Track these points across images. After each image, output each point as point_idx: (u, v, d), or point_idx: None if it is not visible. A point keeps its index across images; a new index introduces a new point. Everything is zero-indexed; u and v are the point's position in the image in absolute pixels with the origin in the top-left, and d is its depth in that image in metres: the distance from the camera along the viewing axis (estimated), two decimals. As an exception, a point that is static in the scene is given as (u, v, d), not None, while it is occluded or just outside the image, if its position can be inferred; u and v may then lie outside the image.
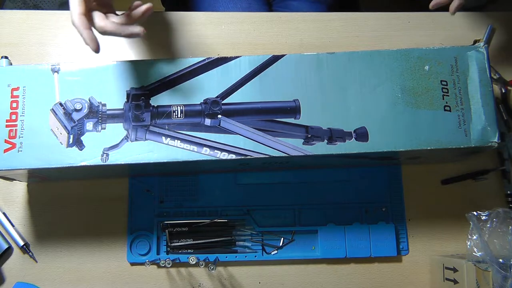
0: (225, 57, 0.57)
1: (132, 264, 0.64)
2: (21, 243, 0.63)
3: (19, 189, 0.66)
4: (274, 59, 0.57)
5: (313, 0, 0.88)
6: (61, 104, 0.56)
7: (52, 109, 0.56)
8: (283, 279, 0.64)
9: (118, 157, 0.56)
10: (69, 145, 0.56)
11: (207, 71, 0.57)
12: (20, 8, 1.23)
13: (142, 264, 0.64)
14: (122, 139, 0.56)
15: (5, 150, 0.55)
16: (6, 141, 0.56)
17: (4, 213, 0.64)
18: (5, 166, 0.55)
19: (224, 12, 0.76)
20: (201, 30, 0.72)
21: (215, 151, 0.56)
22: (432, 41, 0.72)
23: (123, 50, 0.72)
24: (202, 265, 0.59)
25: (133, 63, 0.57)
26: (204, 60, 0.57)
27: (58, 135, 0.56)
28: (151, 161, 0.56)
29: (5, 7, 1.23)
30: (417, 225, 0.67)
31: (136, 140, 0.56)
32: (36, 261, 0.64)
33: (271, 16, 0.74)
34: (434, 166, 0.68)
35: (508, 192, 0.68)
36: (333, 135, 0.57)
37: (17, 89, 0.56)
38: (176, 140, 0.56)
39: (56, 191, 0.66)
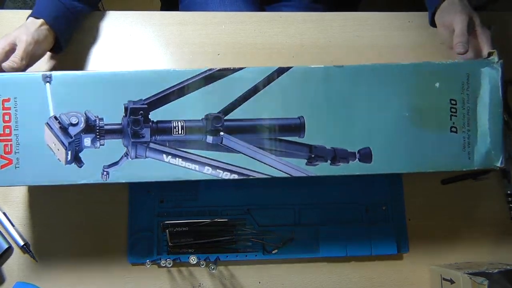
0: (228, 68, 0.55)
1: (133, 264, 0.64)
2: (21, 243, 0.63)
3: (19, 189, 0.65)
4: (280, 71, 0.55)
5: (305, 7, 0.88)
6: (56, 118, 0.54)
7: (47, 123, 0.54)
8: (284, 278, 0.64)
9: (119, 176, 0.55)
10: (67, 162, 0.55)
11: (209, 83, 0.55)
12: (21, 8, 1.23)
13: (143, 264, 0.63)
14: (122, 156, 0.55)
15: (2, 166, 0.54)
16: (2, 157, 0.54)
17: (4, 213, 0.64)
18: (4, 183, 0.54)
19: (224, 12, 0.76)
20: (201, 30, 0.72)
21: (218, 170, 0.56)
22: (432, 41, 0.72)
23: (121, 54, 0.71)
24: (203, 264, 0.59)
25: (131, 74, 0.55)
26: (206, 71, 0.55)
27: (55, 151, 0.54)
28: (152, 180, 0.55)
29: (6, 7, 1.23)
30: (417, 225, 0.67)
31: (136, 157, 0.55)
32: (36, 261, 0.63)
33: (272, 16, 0.74)
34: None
35: (508, 192, 0.68)
36: (337, 156, 0.57)
37: (8, 100, 0.54)
38: (177, 158, 0.55)
39: (56, 191, 0.65)
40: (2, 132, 0.53)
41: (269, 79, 0.55)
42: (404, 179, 0.68)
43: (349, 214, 0.66)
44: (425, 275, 0.65)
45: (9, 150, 0.54)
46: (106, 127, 0.54)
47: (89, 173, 0.55)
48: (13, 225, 0.64)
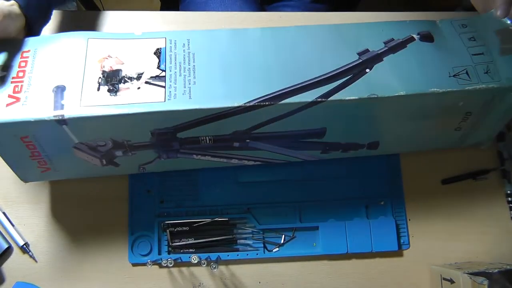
0: (257, 105, 0.51)
1: (134, 264, 0.64)
2: (21, 242, 0.63)
3: (19, 189, 0.65)
4: (313, 103, 0.52)
5: (305, 7, 0.89)
6: (82, 143, 0.54)
7: (75, 147, 0.54)
8: (285, 276, 0.64)
9: (155, 168, 0.60)
10: (103, 165, 0.58)
11: (237, 114, 0.52)
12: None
13: (143, 264, 0.63)
14: (155, 158, 0.58)
15: (43, 172, 0.58)
16: (39, 166, 0.57)
17: (4, 213, 0.64)
18: (48, 179, 0.61)
19: (224, 12, 0.76)
20: (201, 30, 0.72)
21: (243, 161, 0.61)
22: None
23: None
24: (204, 264, 0.59)
25: (159, 113, 0.50)
26: (233, 108, 0.51)
27: (90, 160, 0.57)
28: (185, 169, 0.62)
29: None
30: (418, 224, 0.67)
31: (168, 158, 0.58)
32: (36, 261, 0.63)
33: (271, 15, 0.74)
34: (434, 166, 0.68)
35: (508, 192, 0.68)
36: (349, 147, 0.62)
37: (26, 137, 0.52)
38: (206, 156, 0.58)
39: (56, 191, 0.65)
40: (32, 155, 0.54)
41: (299, 109, 0.53)
42: (404, 178, 0.68)
43: (349, 210, 0.66)
44: (425, 275, 0.65)
45: (44, 163, 0.56)
46: (135, 144, 0.55)
47: (126, 169, 0.60)
48: (13, 225, 0.64)
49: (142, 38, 0.55)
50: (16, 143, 0.52)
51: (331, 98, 0.52)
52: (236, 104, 0.51)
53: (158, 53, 0.54)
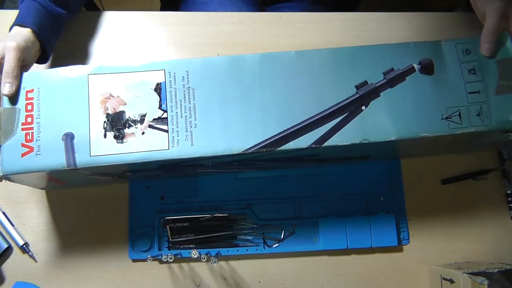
0: (255, 152, 0.53)
1: (134, 260, 0.64)
2: (21, 242, 0.63)
3: (19, 189, 0.65)
4: (313, 146, 0.54)
5: (305, 9, 0.89)
6: (95, 173, 0.57)
7: (88, 175, 0.57)
8: (285, 272, 0.64)
9: (163, 177, 0.64)
10: (115, 179, 0.62)
11: (236, 157, 0.55)
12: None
13: (144, 260, 0.63)
14: (162, 173, 0.61)
15: (59, 186, 0.63)
16: (56, 185, 0.62)
17: (4, 213, 0.64)
18: (63, 188, 0.64)
19: (224, 12, 0.76)
20: (201, 30, 0.72)
21: (244, 170, 0.65)
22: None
23: (121, 54, 0.71)
24: (204, 259, 0.59)
25: (158, 162, 0.54)
26: (232, 156, 0.54)
27: (102, 178, 0.60)
28: (191, 175, 0.65)
29: (5, 7, 1.23)
30: (418, 224, 0.67)
31: (174, 173, 0.62)
32: (36, 261, 0.63)
33: (271, 16, 0.74)
34: (434, 166, 0.68)
35: (508, 192, 0.68)
36: (342, 160, 0.63)
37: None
38: (209, 169, 0.62)
39: (56, 191, 0.65)
40: (50, 180, 0.58)
41: (295, 151, 0.54)
42: (404, 179, 0.68)
43: (349, 206, 0.66)
44: (424, 275, 0.65)
45: (61, 183, 0.61)
46: (143, 169, 0.58)
47: (136, 179, 0.64)
48: (12, 225, 0.64)
49: (141, 71, 0.55)
50: (34, 177, 0.55)
51: (325, 144, 0.53)
52: (235, 152, 0.53)
53: (158, 89, 0.54)
